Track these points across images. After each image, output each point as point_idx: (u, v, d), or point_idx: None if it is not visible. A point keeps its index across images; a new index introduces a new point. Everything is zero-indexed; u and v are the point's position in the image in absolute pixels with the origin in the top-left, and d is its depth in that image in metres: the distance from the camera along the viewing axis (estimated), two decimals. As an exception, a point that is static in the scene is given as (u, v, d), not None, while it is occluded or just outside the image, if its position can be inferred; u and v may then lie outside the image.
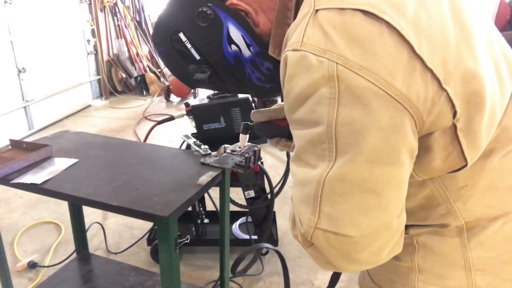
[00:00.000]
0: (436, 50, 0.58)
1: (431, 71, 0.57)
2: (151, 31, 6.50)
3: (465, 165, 0.64)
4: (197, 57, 0.81)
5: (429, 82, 0.58)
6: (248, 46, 0.77)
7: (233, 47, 0.77)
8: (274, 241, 2.40)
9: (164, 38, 0.81)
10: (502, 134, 0.68)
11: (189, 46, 0.80)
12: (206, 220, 2.53)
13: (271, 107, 0.99)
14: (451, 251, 0.72)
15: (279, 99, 3.99)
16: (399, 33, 0.57)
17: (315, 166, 0.62)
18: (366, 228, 0.61)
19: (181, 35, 0.79)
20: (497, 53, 0.68)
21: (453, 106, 0.59)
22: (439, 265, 0.73)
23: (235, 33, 0.76)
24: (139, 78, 6.28)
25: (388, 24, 0.57)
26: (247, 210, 2.35)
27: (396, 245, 0.66)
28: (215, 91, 2.36)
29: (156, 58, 6.63)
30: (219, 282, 1.88)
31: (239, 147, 1.44)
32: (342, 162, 0.59)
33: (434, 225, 0.72)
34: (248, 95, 2.44)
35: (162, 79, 6.36)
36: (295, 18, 0.68)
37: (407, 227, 0.74)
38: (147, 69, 6.45)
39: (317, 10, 0.60)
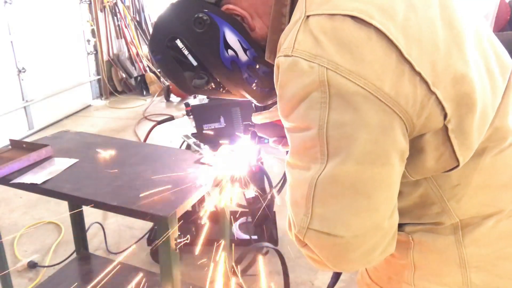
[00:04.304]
0: (425, 54, 0.59)
1: (419, 74, 0.58)
2: (151, 31, 6.49)
3: (458, 165, 0.65)
4: (194, 63, 0.81)
5: (418, 85, 0.58)
6: (245, 50, 0.78)
7: (230, 52, 0.78)
8: (274, 241, 2.40)
9: (161, 45, 0.81)
10: (495, 133, 0.69)
11: (186, 52, 0.80)
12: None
13: (271, 108, 0.99)
14: (446, 248, 0.72)
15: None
16: (388, 38, 0.57)
17: (308, 168, 0.63)
18: (358, 229, 0.62)
19: (178, 42, 0.79)
20: (488, 53, 0.69)
21: (443, 108, 0.60)
22: (435, 262, 0.74)
23: (232, 38, 0.77)
24: (139, 78, 6.28)
25: (376, 29, 0.58)
26: (247, 210, 2.35)
27: (388, 245, 0.67)
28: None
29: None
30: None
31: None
32: (333, 164, 0.61)
33: (429, 223, 0.73)
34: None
35: (162, 79, 6.35)
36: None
37: (403, 225, 0.75)
38: (147, 69, 6.45)
39: (308, 16, 0.61)
